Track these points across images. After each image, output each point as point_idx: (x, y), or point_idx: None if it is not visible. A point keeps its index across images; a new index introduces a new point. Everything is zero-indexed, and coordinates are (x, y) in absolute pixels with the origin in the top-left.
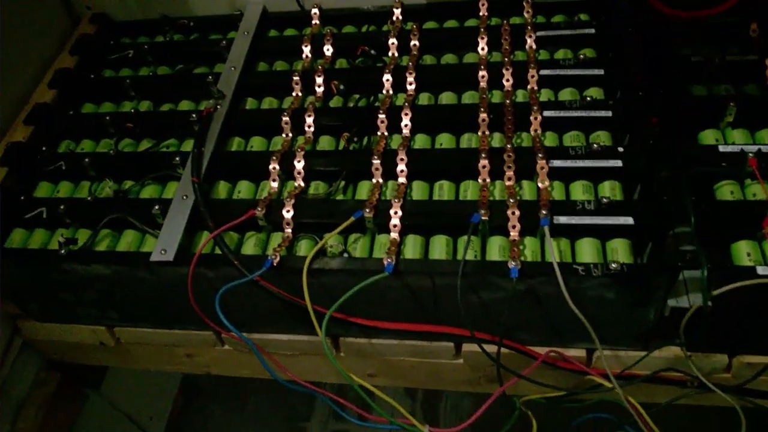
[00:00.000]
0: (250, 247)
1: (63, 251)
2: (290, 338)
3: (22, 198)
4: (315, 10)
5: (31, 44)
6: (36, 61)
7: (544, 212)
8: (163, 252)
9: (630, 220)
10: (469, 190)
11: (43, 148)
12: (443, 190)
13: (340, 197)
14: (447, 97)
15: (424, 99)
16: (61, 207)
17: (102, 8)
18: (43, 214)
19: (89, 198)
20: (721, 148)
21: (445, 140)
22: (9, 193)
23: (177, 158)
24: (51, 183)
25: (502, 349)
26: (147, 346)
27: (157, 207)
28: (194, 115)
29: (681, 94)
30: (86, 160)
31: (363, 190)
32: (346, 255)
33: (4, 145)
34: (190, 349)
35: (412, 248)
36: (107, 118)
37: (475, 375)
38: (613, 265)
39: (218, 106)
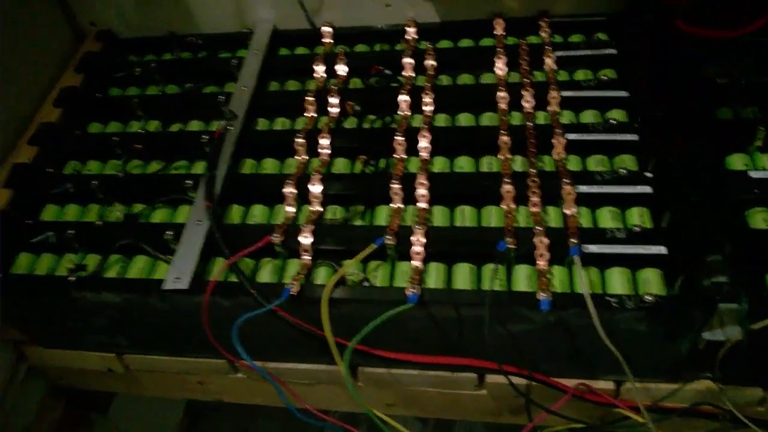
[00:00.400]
0: (266, 274)
1: (72, 278)
2: (307, 367)
3: (28, 221)
4: (327, 29)
5: (34, 62)
6: (40, 79)
7: (573, 241)
8: (176, 280)
9: (663, 250)
10: (492, 216)
11: (49, 170)
12: (465, 215)
13: (358, 222)
14: (465, 119)
15: (440, 120)
16: (70, 231)
17: (107, 25)
18: (50, 239)
19: (98, 222)
20: (752, 174)
21: (464, 163)
22: (15, 216)
23: (189, 181)
24: (57, 205)
25: (527, 381)
26: (157, 373)
27: (169, 232)
28: (205, 136)
29: (707, 117)
30: (94, 182)
31: (381, 215)
32: (366, 284)
33: (8, 166)
34: (202, 377)
35: (435, 277)
36: (115, 138)
37: (497, 406)
38: (648, 298)
39: (230, 127)
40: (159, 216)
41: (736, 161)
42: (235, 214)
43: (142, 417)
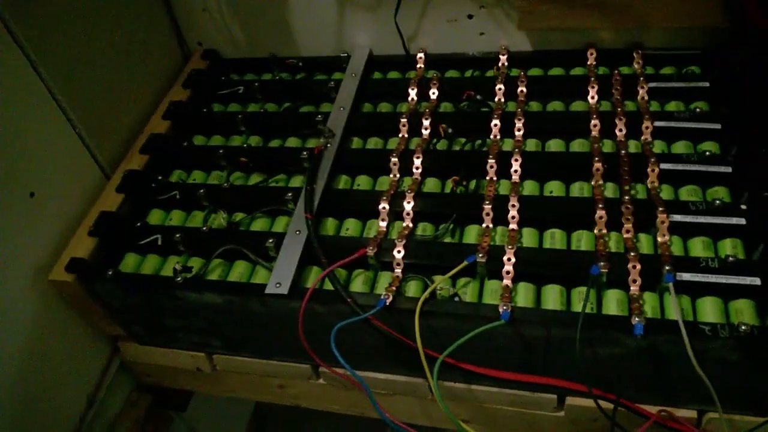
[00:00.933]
0: (358, 285)
1: (179, 278)
2: (387, 377)
3: (137, 224)
4: (420, 55)
5: (147, 76)
6: (151, 92)
7: (667, 268)
8: (278, 285)
9: (757, 281)
10: (582, 240)
11: (158, 177)
12: (555, 238)
13: (447, 240)
14: (555, 144)
15: (531, 145)
16: (177, 235)
17: (212, 45)
18: (158, 241)
19: (204, 228)
20: None
21: (554, 188)
22: (125, 219)
23: (289, 194)
24: (163, 211)
25: (605, 403)
26: (242, 374)
27: (271, 240)
28: (305, 153)
29: None
30: (201, 191)
31: (470, 234)
32: (456, 299)
33: (121, 172)
34: (283, 381)
35: (524, 296)
36: (221, 151)
37: (575, 429)
38: (743, 327)
39: (328, 145)
40: (258, 225)
41: None
42: (330, 226)
43: (214, 417)
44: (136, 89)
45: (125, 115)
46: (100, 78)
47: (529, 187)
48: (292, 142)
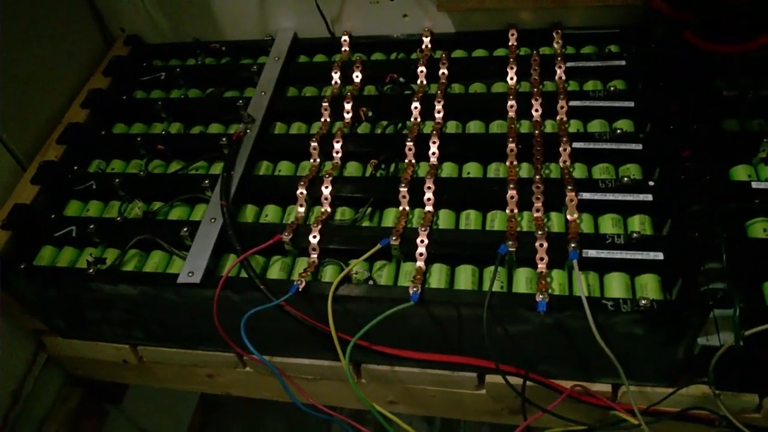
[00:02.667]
0: (275, 271)
1: (92, 270)
2: (311, 362)
3: (53, 216)
4: (345, 38)
5: (65, 64)
6: (70, 81)
7: (573, 245)
8: (190, 274)
9: (660, 256)
10: (496, 220)
11: (75, 168)
12: (470, 219)
13: (366, 224)
14: (475, 126)
15: (451, 127)
16: (91, 226)
17: (135, 30)
18: (72, 233)
19: (118, 218)
20: (755, 185)
21: (472, 169)
22: (40, 211)
23: (206, 181)
24: (81, 201)
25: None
26: (169, 365)
27: (185, 229)
28: (224, 139)
29: (713, 128)
30: (117, 180)
31: (389, 217)
32: (371, 282)
33: (36, 163)
34: (211, 370)
35: (437, 277)
36: (138, 139)
37: (497, 406)
38: (643, 302)
39: (248, 131)
40: (177, 213)
41: (741, 172)
42: (249, 213)
43: (156, 409)
44: (54, 78)
45: (42, 105)
46: (14, 68)
47: (448, 169)
48: (215, 128)
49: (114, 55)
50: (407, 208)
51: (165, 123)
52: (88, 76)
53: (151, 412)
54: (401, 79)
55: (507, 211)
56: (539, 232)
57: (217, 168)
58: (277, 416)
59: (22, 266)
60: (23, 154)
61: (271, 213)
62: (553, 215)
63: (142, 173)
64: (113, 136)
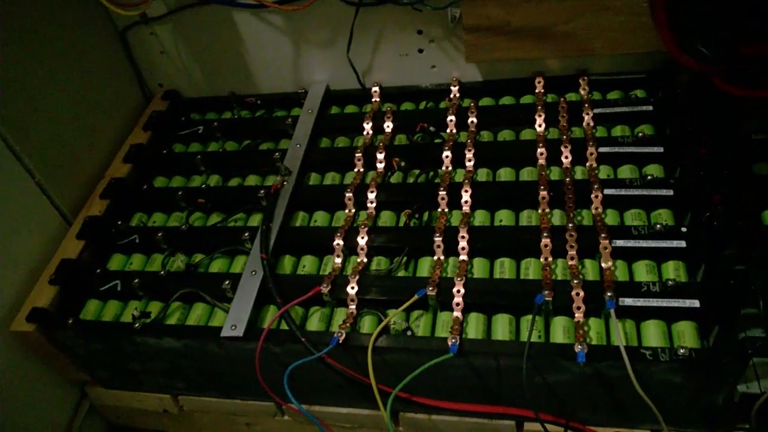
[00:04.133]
0: (314, 322)
1: (137, 325)
2: (349, 411)
3: (98, 270)
4: (375, 88)
5: (107, 120)
6: (111, 136)
7: (609, 294)
8: (233, 328)
9: (696, 303)
10: (531, 268)
11: (118, 222)
12: (504, 267)
13: (402, 273)
14: (505, 173)
15: (482, 175)
16: (136, 280)
17: (173, 86)
18: (117, 287)
19: (162, 272)
20: None
21: (504, 216)
22: (85, 266)
23: (246, 234)
24: (124, 255)
25: (563, 429)
26: (209, 414)
27: (227, 282)
28: (262, 191)
29: (744, 172)
30: (159, 234)
31: (424, 266)
32: (409, 333)
33: (81, 218)
34: (250, 419)
35: (474, 327)
36: (179, 193)
37: None
38: (681, 351)
39: (285, 182)
40: (218, 265)
41: None
42: (287, 264)
43: None
44: (96, 134)
45: (86, 160)
46: (58, 125)
47: (480, 217)
48: (252, 180)
49: (153, 110)
50: (442, 257)
51: (204, 176)
52: (128, 131)
53: None
54: (431, 128)
55: (541, 259)
56: (575, 281)
57: (255, 219)
58: None
59: (71, 321)
60: (69, 210)
61: (308, 263)
62: (587, 262)
63: (183, 227)
64: (154, 190)
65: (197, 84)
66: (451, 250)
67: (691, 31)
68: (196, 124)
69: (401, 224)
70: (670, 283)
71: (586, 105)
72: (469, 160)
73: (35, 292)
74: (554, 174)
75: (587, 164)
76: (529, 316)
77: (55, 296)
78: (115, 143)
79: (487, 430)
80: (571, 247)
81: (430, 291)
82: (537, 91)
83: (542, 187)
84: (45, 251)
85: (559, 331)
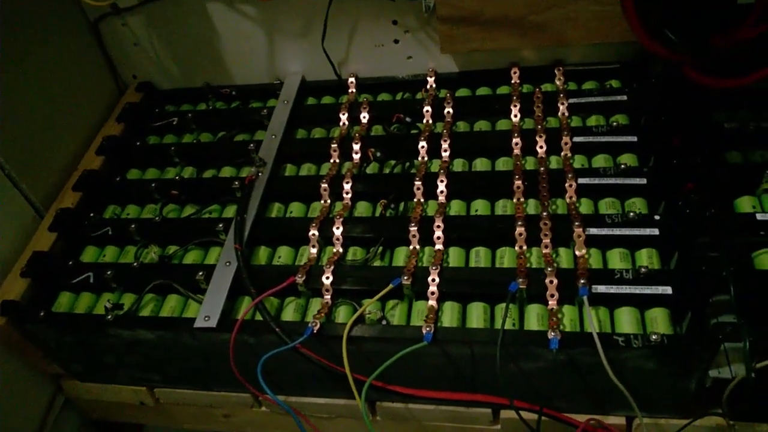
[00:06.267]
0: (290, 313)
1: (109, 317)
2: (326, 401)
3: (70, 262)
4: (352, 79)
5: (79, 112)
6: (84, 128)
7: (582, 281)
8: (206, 318)
9: (669, 290)
10: (505, 257)
11: (91, 214)
12: (480, 256)
13: (377, 263)
14: (481, 164)
15: (458, 165)
16: (108, 272)
17: (147, 77)
18: (90, 279)
19: (135, 264)
20: (759, 216)
21: (480, 206)
22: (58, 258)
23: (220, 225)
24: (97, 247)
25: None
26: (185, 406)
27: (201, 273)
28: (236, 183)
29: (716, 161)
30: (132, 226)
31: (400, 256)
32: (384, 322)
33: (53, 211)
34: (227, 410)
35: (449, 316)
36: (152, 184)
37: None
38: (653, 337)
39: (259, 174)
40: (192, 257)
41: (745, 203)
42: (263, 255)
43: None
44: (69, 126)
45: (58, 152)
46: (29, 117)
47: (456, 207)
48: (227, 171)
49: (127, 101)
50: (417, 246)
51: (178, 167)
52: (102, 122)
53: None
54: (408, 119)
55: (516, 248)
56: (549, 269)
57: (230, 211)
58: None
59: (42, 313)
60: (41, 202)
61: (283, 254)
62: (562, 251)
63: (157, 218)
64: (128, 182)
65: (172, 75)
66: (426, 239)
67: (658, 17)
68: (171, 115)
69: (377, 214)
70: (643, 270)
71: (562, 95)
72: (445, 151)
73: (6, 285)
74: (529, 164)
75: (562, 154)
76: (503, 305)
77: (27, 289)
78: (88, 135)
79: (463, 419)
80: (545, 235)
81: (405, 280)
82: (513, 81)
83: (517, 177)
84: (16, 243)
85: (533, 318)
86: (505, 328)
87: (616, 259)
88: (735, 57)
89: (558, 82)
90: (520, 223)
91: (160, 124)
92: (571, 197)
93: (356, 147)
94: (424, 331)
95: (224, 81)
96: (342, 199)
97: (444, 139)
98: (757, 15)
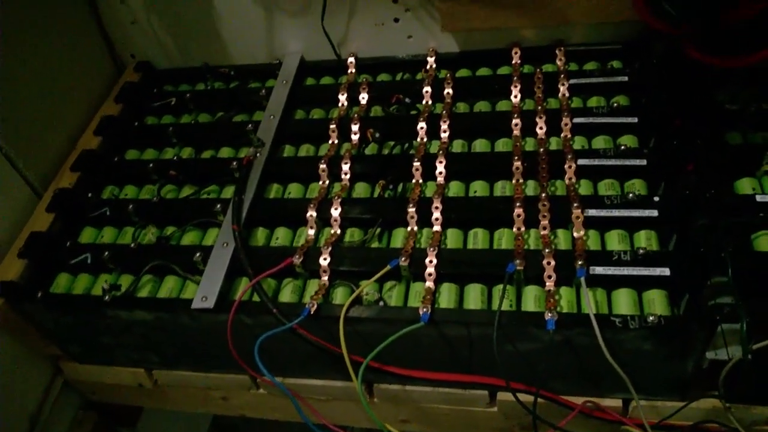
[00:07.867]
0: (287, 294)
1: (107, 297)
2: (324, 383)
3: (68, 243)
4: (351, 59)
5: (77, 92)
6: (82, 108)
7: (580, 263)
8: (204, 299)
9: (667, 272)
10: (503, 239)
11: (89, 194)
12: (478, 238)
13: (375, 245)
14: (480, 145)
15: (457, 146)
16: (106, 253)
17: (146, 57)
18: (87, 260)
19: (132, 245)
20: (759, 198)
21: (479, 188)
22: (55, 239)
23: (218, 206)
24: (95, 228)
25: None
26: (184, 388)
27: (198, 254)
28: (235, 163)
29: (717, 142)
30: (130, 206)
31: (398, 238)
32: (381, 303)
33: (51, 191)
34: (225, 392)
35: (447, 297)
36: (150, 165)
37: (509, 423)
38: (651, 318)
39: (258, 154)
40: (189, 238)
41: (745, 185)
42: (261, 236)
43: (168, 431)
44: (67, 106)
45: (56, 132)
46: (26, 97)
47: (455, 188)
48: (225, 152)
49: (125, 81)
50: (415, 228)
51: (176, 148)
52: (100, 102)
53: None
54: (407, 100)
55: (514, 229)
56: (546, 250)
57: (228, 192)
58: None
59: (39, 294)
60: (38, 183)
61: (281, 235)
62: (560, 232)
63: (155, 199)
64: (126, 163)
65: (170, 54)
66: (425, 221)
67: None
68: (169, 95)
69: (375, 195)
70: (641, 251)
71: (562, 76)
72: (444, 132)
73: (4, 266)
74: (529, 145)
75: (562, 135)
76: (500, 286)
77: (25, 270)
78: (86, 115)
79: (461, 401)
80: (544, 216)
81: (403, 261)
82: (513, 62)
83: (516, 158)
84: (14, 224)
85: (531, 299)
86: (503, 309)
87: (615, 241)
88: (739, 34)
89: (559, 63)
90: (518, 204)
91: (159, 104)
92: (570, 178)
93: (355, 128)
94: (421, 312)
95: (223, 60)
96: (340, 180)
97: (443, 119)
98: None
